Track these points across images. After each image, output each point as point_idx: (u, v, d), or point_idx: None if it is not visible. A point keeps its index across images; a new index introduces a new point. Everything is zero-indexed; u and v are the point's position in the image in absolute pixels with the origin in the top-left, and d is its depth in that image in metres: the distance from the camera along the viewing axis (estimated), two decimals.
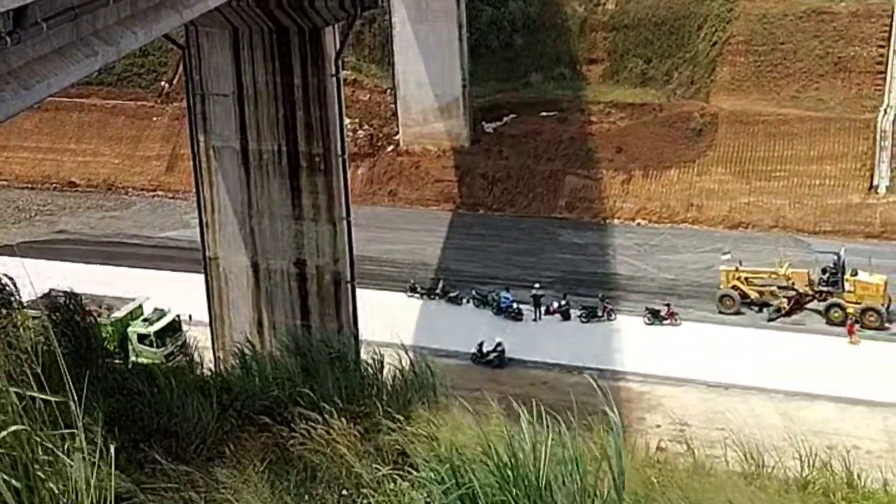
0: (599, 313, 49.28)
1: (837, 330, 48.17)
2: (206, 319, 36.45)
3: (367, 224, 53.25)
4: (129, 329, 43.16)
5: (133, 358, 34.81)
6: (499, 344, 45.01)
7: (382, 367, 27.73)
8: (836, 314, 48.72)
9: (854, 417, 39.84)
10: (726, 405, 39.50)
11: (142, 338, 42.69)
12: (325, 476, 14.06)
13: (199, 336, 35.24)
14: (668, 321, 48.83)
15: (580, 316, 49.27)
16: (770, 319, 49.47)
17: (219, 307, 35.57)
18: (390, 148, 70.22)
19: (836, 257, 50.16)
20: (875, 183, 61.29)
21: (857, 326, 47.59)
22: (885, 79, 65.46)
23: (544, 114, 69.48)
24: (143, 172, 72.08)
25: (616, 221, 62.80)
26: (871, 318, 48.12)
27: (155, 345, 41.89)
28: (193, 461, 13.35)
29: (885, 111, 63.79)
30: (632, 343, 46.49)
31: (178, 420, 14.66)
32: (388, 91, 71.79)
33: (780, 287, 50.35)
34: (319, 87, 33.51)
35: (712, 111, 66.45)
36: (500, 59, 72.91)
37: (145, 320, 43.91)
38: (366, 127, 70.91)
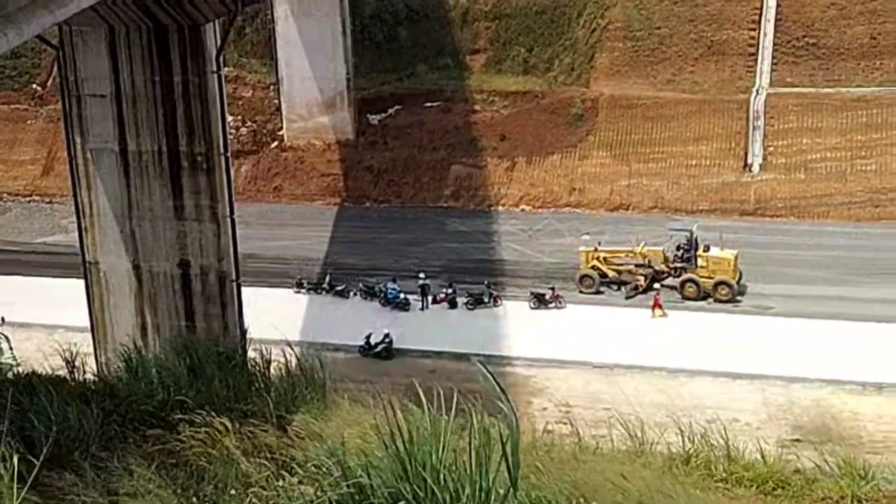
0: (486, 300, 49.90)
1: (721, 307, 49.61)
2: (20, 321, 35.45)
3: (252, 221, 53.09)
4: None
5: None
6: (386, 335, 45.28)
7: (269, 364, 27.98)
8: (691, 289, 50.34)
9: (734, 391, 40.93)
10: (611, 385, 40.44)
11: None
12: (212, 477, 14.29)
13: (79, 342, 34.83)
14: (554, 305, 49.72)
15: (466, 303, 49.78)
16: (628, 297, 50.91)
17: (100, 312, 35.15)
18: (274, 144, 69.96)
19: (688, 234, 51.72)
20: (749, 162, 63.25)
21: (661, 299, 49.20)
22: (756, 60, 67.46)
23: (429, 104, 69.97)
24: (19, 177, 70.52)
25: (501, 208, 63.71)
26: (724, 292, 49.90)
27: None
28: (77, 469, 13.45)
29: (757, 92, 65.82)
30: (518, 328, 47.17)
31: (59, 428, 14.71)
32: (272, 86, 71.47)
33: (637, 265, 51.80)
34: (200, 85, 33.17)
35: (592, 97, 67.75)
36: (384, 52, 73.12)
37: None
38: (249, 123, 70.51)
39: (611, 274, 51.64)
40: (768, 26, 67.96)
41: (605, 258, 52.11)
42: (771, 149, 63.18)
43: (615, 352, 44.33)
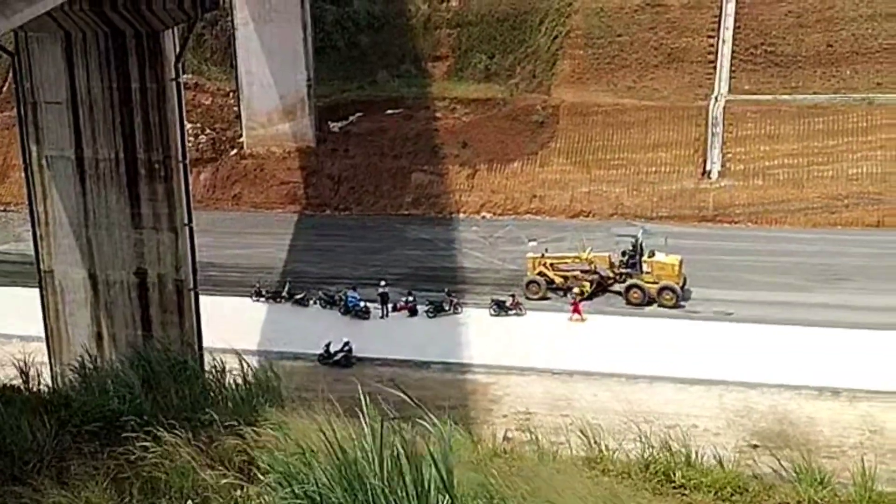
0: (446, 307, 49.89)
1: (678, 313, 49.92)
2: None
3: (210, 230, 52.80)
4: None
5: None
6: (346, 343, 45.10)
7: (226, 373, 27.71)
8: (636, 295, 50.73)
9: (693, 397, 41.12)
10: (570, 392, 40.56)
11: None
12: (169, 488, 14.13)
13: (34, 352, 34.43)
14: (514, 311, 49.80)
15: (427, 311, 49.74)
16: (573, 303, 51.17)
17: (55, 322, 34.79)
18: (234, 151, 69.64)
19: (634, 239, 52.11)
20: (707, 168, 63.73)
21: (582, 305, 49.59)
22: (715, 68, 68.06)
23: (390, 111, 69.97)
24: None
25: (462, 215, 63.81)
26: (668, 297, 50.36)
27: None
28: (30, 481, 13.28)
29: (716, 99, 66.39)
30: (478, 335, 47.15)
31: (12, 440, 14.51)
32: (231, 94, 71.14)
33: (583, 271, 52.10)
34: (158, 92, 32.93)
35: (554, 104, 68.06)
36: (345, 59, 73.09)
37: None
38: (208, 131, 70.11)
39: (557, 280, 51.91)
40: (727, 34, 68.65)
41: (551, 264, 52.39)
42: (729, 155, 63.70)
43: (575, 358, 44.43)
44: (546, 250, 53.78)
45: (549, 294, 51.66)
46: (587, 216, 62.34)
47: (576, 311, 49.41)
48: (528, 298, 51.09)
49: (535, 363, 44.14)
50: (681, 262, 51.17)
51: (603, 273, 52.22)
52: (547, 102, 68.23)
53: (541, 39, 70.80)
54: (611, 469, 24.15)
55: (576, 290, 50.77)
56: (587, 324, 48.89)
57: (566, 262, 52.68)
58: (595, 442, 26.85)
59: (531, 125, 67.43)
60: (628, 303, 50.79)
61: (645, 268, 51.18)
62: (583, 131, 66.69)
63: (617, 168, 64.74)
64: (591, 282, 51.81)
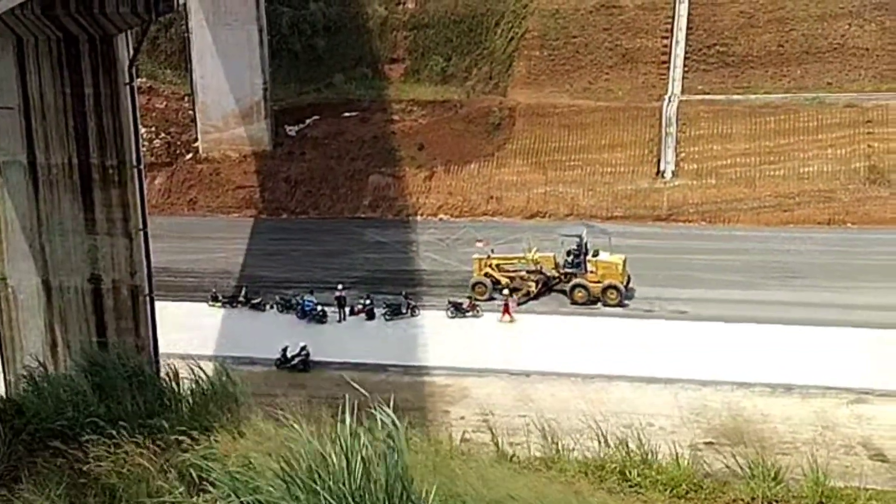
0: (403, 310, 49.92)
1: (634, 312, 50.30)
2: None
3: (166, 235, 52.45)
4: None
5: None
6: (303, 348, 45.02)
7: (182, 379, 27.55)
8: (580, 294, 51.15)
9: (649, 395, 41.40)
10: (528, 392, 40.75)
11: None
12: (124, 495, 14.13)
13: None
14: (471, 313, 49.98)
15: (384, 314, 49.77)
16: (519, 304, 51.41)
17: (8, 329, 34.46)
18: (189, 156, 69.28)
19: (578, 239, 52.54)
20: (662, 168, 64.30)
21: (512, 305, 49.92)
22: (668, 68, 68.69)
23: (347, 114, 69.97)
24: None
25: (419, 218, 63.90)
26: (612, 296, 50.86)
27: None
28: None
29: (670, 99, 67.00)
30: (436, 337, 47.27)
31: None
32: (186, 97, 70.75)
33: (528, 272, 52.47)
34: (112, 97, 32.74)
35: (510, 105, 68.38)
36: (301, 62, 72.97)
37: None
38: (163, 135, 69.71)
39: (503, 281, 52.19)
40: (680, 35, 69.32)
41: (497, 265, 52.69)
42: (683, 155, 64.30)
43: (532, 358, 44.69)
44: (492, 251, 54.13)
45: (495, 295, 51.81)
46: (543, 217, 62.66)
47: (506, 311, 49.53)
48: (475, 300, 51.22)
49: (492, 364, 44.35)
50: (624, 261, 51.72)
51: (548, 273, 52.59)
52: (503, 104, 68.54)
53: (497, 41, 71.12)
54: (568, 468, 24.34)
55: (505, 291, 51.05)
56: (545, 324, 49.15)
57: (512, 263, 53.06)
58: (553, 442, 27.02)
59: (488, 127, 67.68)
60: (573, 302, 51.26)
61: (589, 267, 51.61)
62: (539, 132, 67.03)
63: (573, 169, 65.15)
64: (537, 282, 52.24)
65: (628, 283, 51.71)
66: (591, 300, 51.11)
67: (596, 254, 52.10)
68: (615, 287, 50.81)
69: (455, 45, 71.86)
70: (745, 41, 68.40)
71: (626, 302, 51.02)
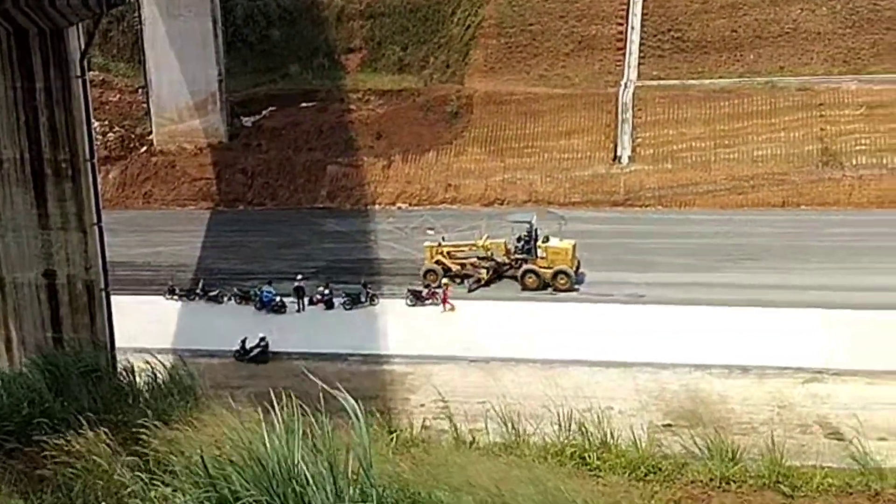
0: (362, 299, 49.86)
1: (592, 297, 50.47)
2: None
3: (121, 229, 52.15)
4: None
5: None
6: (262, 339, 44.83)
7: (139, 373, 27.34)
8: (531, 280, 51.41)
9: (608, 379, 41.59)
10: (488, 379, 40.82)
11: None
12: (83, 492, 14.00)
13: None
14: (430, 301, 50.00)
15: (343, 303, 49.66)
16: (470, 290, 51.69)
17: None
18: (144, 149, 68.80)
19: (528, 225, 52.78)
20: (618, 154, 64.60)
21: (450, 293, 49.94)
22: (624, 54, 68.99)
23: (304, 105, 69.76)
24: None
25: (377, 207, 63.89)
26: (562, 281, 51.14)
27: None
28: None
29: (626, 85, 67.31)
30: (395, 325, 47.26)
31: None
32: (140, 90, 70.30)
33: (479, 258, 52.64)
34: (64, 91, 32.33)
35: (467, 93, 68.42)
36: (257, 53, 72.72)
37: None
38: (117, 129, 69.16)
39: (454, 268, 52.37)
40: (635, 21, 69.68)
41: (448, 252, 52.82)
42: (639, 140, 64.65)
43: (491, 345, 44.73)
44: (443, 239, 54.23)
45: (447, 282, 51.95)
46: (502, 204, 62.79)
47: (444, 300, 49.53)
48: (426, 287, 51.26)
49: (452, 351, 44.34)
50: (574, 247, 52.02)
51: (499, 260, 52.77)
52: (461, 92, 68.58)
53: (454, 30, 71.13)
54: (527, 454, 24.41)
55: (445, 280, 51.17)
56: (504, 311, 49.23)
57: (463, 250, 53.18)
58: (512, 427, 27.10)
59: (445, 115, 67.70)
60: (524, 288, 51.46)
61: (539, 253, 51.80)
62: (496, 120, 67.14)
63: (530, 156, 65.32)
64: (488, 269, 52.41)
65: (578, 268, 52.04)
66: (543, 286, 51.23)
67: (546, 239, 52.38)
68: (565, 272, 51.12)
69: (412, 33, 71.80)
70: (700, 27, 68.83)
71: (577, 286, 51.30)
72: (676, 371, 41.55)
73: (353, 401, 13.75)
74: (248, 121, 69.61)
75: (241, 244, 58.60)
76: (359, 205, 64.37)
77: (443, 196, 64.31)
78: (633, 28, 69.63)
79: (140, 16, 68.19)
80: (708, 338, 44.13)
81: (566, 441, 27.17)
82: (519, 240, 52.78)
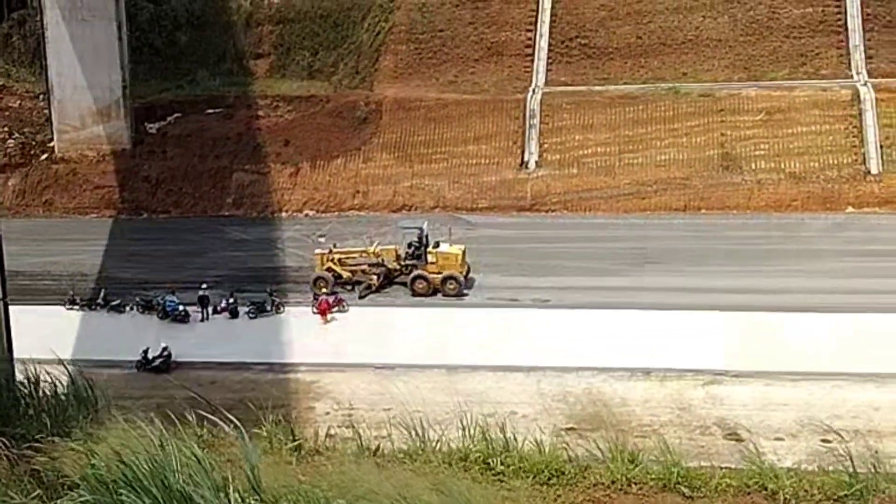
0: (268, 308, 49.40)
1: (497, 302, 50.68)
2: None
3: (20, 238, 50.98)
4: None
5: None
6: (165, 349, 44.21)
7: (38, 385, 26.68)
8: (421, 285, 51.61)
9: (512, 384, 41.56)
10: (393, 386, 40.73)
11: None
12: None
13: None
14: (336, 308, 49.75)
15: (248, 312, 49.15)
16: (361, 297, 51.67)
17: None
18: (45, 156, 67.56)
19: (419, 231, 53.07)
20: (526, 159, 65.10)
21: (335, 304, 49.78)
22: (532, 60, 69.63)
23: (210, 111, 69.15)
24: None
25: (284, 214, 63.55)
26: (451, 286, 51.36)
27: None
28: None
29: (533, 91, 67.88)
30: (301, 334, 46.83)
31: None
32: (42, 96, 69.13)
33: (370, 265, 52.75)
34: None
35: (377, 99, 68.43)
36: (163, 58, 71.94)
37: None
38: (17, 135, 67.91)
39: (345, 275, 52.29)
40: (544, 28, 70.41)
41: (340, 259, 52.75)
42: (546, 146, 65.19)
43: (396, 352, 44.63)
44: (334, 246, 54.14)
45: (337, 289, 51.73)
46: (410, 210, 62.80)
47: (322, 311, 49.16)
48: (315, 295, 50.99)
49: (357, 359, 44.15)
50: (464, 252, 52.26)
51: (390, 265, 52.85)
52: (370, 98, 68.54)
53: (363, 35, 71.08)
54: (432, 460, 24.48)
55: (324, 289, 51.07)
56: (409, 317, 49.20)
57: (354, 257, 53.15)
58: (417, 434, 27.08)
59: (354, 121, 67.59)
60: (414, 294, 51.51)
61: (430, 258, 51.96)
62: (405, 126, 67.20)
63: (439, 161, 65.50)
64: (379, 275, 52.42)
65: (468, 273, 52.26)
66: (432, 291, 51.34)
67: (436, 245, 52.58)
68: (454, 277, 51.33)
69: (321, 39, 71.58)
70: (606, 33, 69.73)
71: (466, 292, 51.44)
72: (580, 374, 41.84)
73: (234, 420, 13.62)
74: (152, 127, 68.72)
75: (145, 253, 57.73)
76: (265, 212, 63.93)
77: (351, 202, 64.14)
78: (541, 35, 70.29)
79: (42, 20, 67.02)
80: (611, 341, 44.58)
81: (470, 446, 27.21)
82: (409, 245, 53.00)
